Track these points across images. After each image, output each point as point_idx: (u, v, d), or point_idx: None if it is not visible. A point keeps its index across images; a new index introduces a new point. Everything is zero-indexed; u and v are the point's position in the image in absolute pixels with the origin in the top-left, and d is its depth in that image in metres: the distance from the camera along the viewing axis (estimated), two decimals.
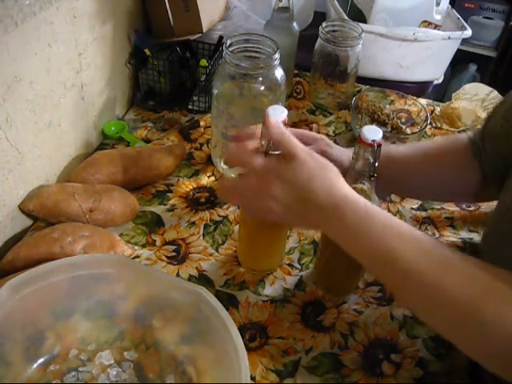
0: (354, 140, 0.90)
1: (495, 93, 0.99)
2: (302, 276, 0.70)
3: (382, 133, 0.53)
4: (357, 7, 1.34)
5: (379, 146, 0.53)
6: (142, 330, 0.59)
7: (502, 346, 0.41)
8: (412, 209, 0.82)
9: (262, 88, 0.75)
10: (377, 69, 1.24)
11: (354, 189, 0.52)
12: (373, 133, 0.53)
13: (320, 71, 0.99)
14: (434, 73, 1.34)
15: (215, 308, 0.53)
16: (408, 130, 0.94)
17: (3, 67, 0.61)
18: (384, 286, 0.69)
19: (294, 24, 0.94)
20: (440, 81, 1.42)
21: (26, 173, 0.71)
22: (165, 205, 0.79)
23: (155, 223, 0.76)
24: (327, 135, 0.96)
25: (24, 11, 0.62)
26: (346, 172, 0.56)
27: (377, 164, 0.54)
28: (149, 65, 0.94)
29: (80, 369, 0.56)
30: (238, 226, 0.75)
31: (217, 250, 0.73)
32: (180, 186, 0.82)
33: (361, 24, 0.98)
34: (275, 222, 0.62)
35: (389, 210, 0.81)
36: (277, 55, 0.72)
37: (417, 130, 0.92)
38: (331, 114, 1.01)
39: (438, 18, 1.29)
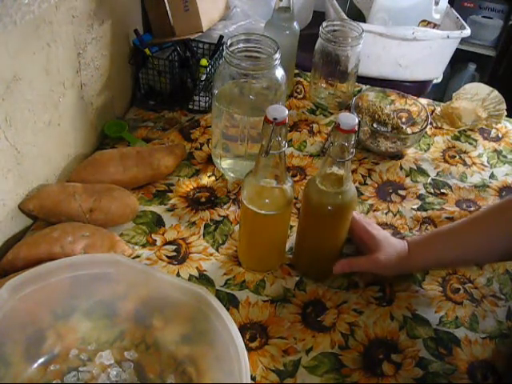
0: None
1: (496, 92, 0.99)
2: (302, 276, 0.70)
3: (357, 120, 0.56)
4: (356, 7, 1.34)
5: (354, 132, 0.56)
6: (142, 330, 0.59)
7: None
8: (412, 209, 0.82)
9: (263, 88, 0.75)
10: (376, 68, 1.24)
11: (331, 173, 0.59)
12: (350, 120, 0.55)
13: (320, 71, 0.99)
14: (433, 72, 1.35)
15: (215, 308, 0.53)
16: (408, 130, 0.95)
17: (2, 66, 0.61)
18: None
19: (295, 24, 0.94)
20: (439, 80, 1.43)
21: (26, 172, 0.71)
22: (165, 204, 0.79)
23: (155, 223, 0.76)
24: (327, 135, 0.96)
25: (23, 10, 0.62)
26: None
27: (352, 149, 0.57)
28: (149, 64, 0.94)
29: (80, 369, 0.57)
30: (238, 225, 0.74)
31: (217, 250, 0.73)
32: (180, 186, 0.82)
33: (360, 23, 0.98)
34: (275, 221, 0.62)
35: (389, 210, 0.81)
36: (277, 55, 0.72)
37: (417, 130, 0.92)
38: (331, 113, 1.01)
39: (436, 17, 1.29)
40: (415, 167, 0.90)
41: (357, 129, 0.56)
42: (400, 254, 0.66)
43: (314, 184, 0.62)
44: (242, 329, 0.63)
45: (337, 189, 0.60)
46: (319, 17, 1.35)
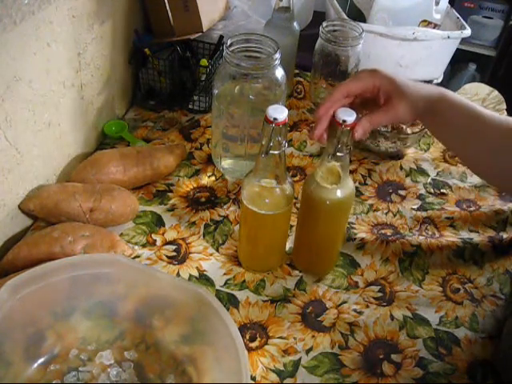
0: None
1: (496, 92, 0.99)
2: (302, 276, 0.70)
3: (355, 115, 0.56)
4: (356, 7, 1.34)
5: (352, 127, 0.56)
6: (142, 330, 0.59)
7: None
8: (412, 209, 0.82)
9: (263, 88, 0.75)
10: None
11: (329, 168, 0.59)
12: (346, 114, 0.56)
13: (320, 71, 0.99)
14: (434, 72, 1.34)
15: (215, 308, 0.53)
16: (408, 130, 0.94)
17: (2, 67, 0.61)
18: None
19: (295, 24, 0.94)
20: (439, 80, 1.42)
21: (26, 172, 0.71)
22: (165, 204, 0.79)
23: (155, 223, 0.76)
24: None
25: (23, 10, 0.62)
26: None
27: (349, 144, 0.57)
28: (149, 64, 0.94)
29: (80, 368, 0.57)
30: (238, 225, 0.74)
31: (217, 250, 0.73)
32: (180, 186, 0.82)
33: (360, 23, 0.98)
34: (275, 221, 0.63)
35: (389, 210, 0.81)
36: (277, 55, 0.72)
37: (417, 130, 0.91)
38: None
39: (437, 17, 1.29)
40: (415, 167, 0.90)
41: (355, 124, 0.56)
42: (432, 103, 0.62)
43: (312, 179, 0.62)
44: (242, 329, 0.63)
45: (335, 184, 0.60)
46: (319, 17, 1.35)
